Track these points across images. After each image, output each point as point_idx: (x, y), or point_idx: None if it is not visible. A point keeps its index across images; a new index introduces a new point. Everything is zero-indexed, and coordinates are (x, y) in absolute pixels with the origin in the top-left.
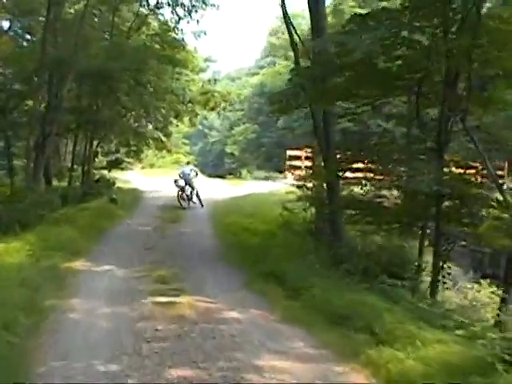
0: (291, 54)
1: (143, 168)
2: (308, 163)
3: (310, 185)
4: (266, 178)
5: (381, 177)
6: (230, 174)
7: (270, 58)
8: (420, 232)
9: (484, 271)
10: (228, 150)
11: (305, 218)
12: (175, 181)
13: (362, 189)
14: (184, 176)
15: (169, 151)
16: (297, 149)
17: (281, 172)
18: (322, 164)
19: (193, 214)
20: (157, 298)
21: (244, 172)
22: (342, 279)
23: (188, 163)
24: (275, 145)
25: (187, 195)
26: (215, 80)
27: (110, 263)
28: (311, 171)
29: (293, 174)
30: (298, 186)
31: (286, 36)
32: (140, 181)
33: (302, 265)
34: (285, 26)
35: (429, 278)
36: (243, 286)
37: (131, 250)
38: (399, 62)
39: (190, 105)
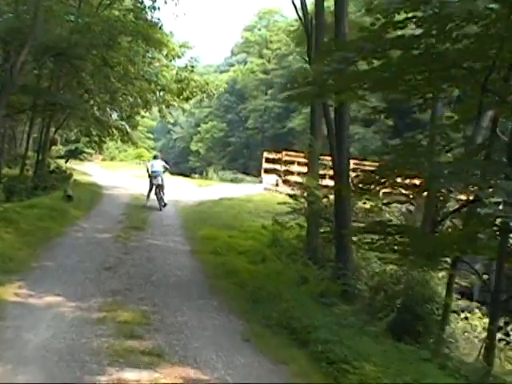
0: (266, 51)
1: (104, 160)
2: (287, 168)
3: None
4: (232, 180)
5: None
6: (195, 172)
7: (242, 54)
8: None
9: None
10: (193, 147)
11: (300, 236)
12: (154, 177)
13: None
14: (154, 173)
15: (134, 144)
16: (275, 151)
17: (247, 174)
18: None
19: (160, 219)
20: (121, 371)
21: (210, 172)
22: (380, 336)
23: (155, 157)
24: (243, 145)
25: (160, 195)
26: (192, 67)
27: (55, 291)
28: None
29: (286, 181)
30: (291, 196)
31: (262, 32)
32: (100, 174)
33: (317, 306)
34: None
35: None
36: (248, 345)
37: (86, 270)
38: (460, 44)
39: (161, 93)
